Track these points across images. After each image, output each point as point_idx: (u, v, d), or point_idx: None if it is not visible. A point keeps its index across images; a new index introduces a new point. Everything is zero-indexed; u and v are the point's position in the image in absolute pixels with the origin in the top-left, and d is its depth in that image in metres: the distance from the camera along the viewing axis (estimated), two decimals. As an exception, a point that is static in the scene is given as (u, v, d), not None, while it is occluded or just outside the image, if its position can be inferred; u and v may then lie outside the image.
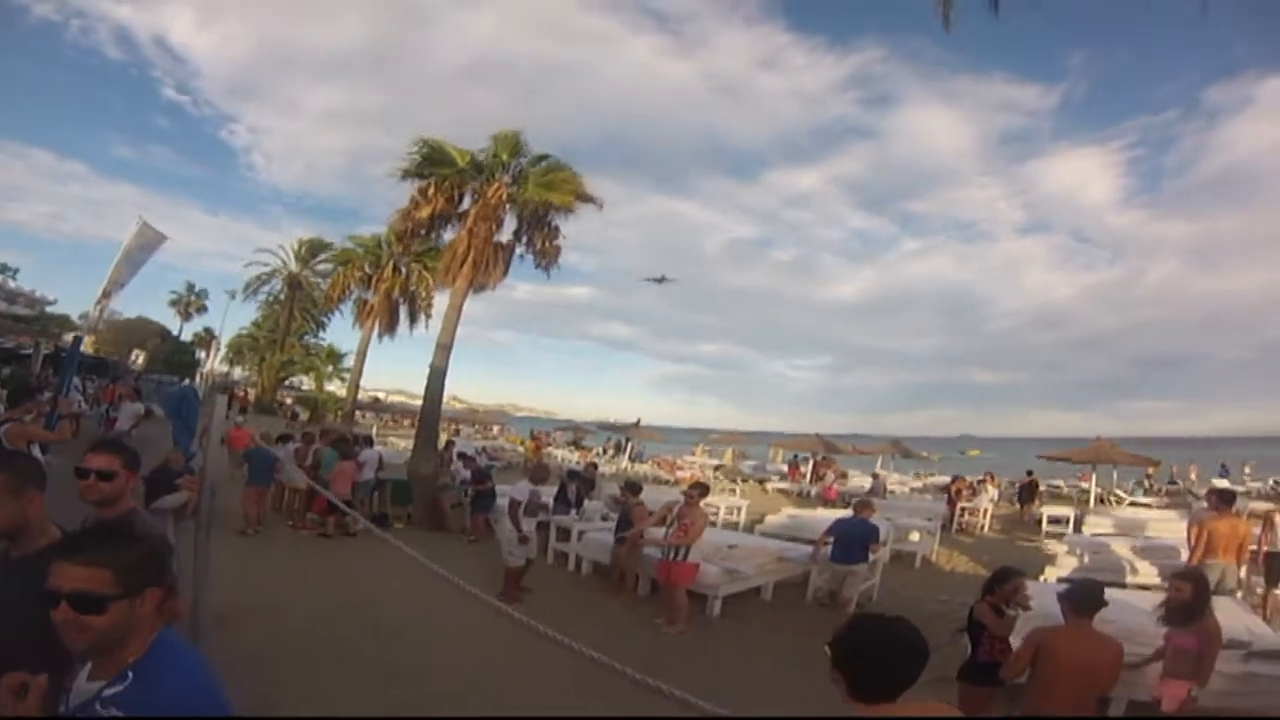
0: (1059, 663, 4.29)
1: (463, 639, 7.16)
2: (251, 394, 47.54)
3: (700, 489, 9.86)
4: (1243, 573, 9.13)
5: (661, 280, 40.61)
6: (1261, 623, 7.19)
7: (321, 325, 50.02)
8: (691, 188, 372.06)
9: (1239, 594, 8.73)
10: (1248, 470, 34.87)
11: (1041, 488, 25.64)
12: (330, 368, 50.22)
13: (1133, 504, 23.81)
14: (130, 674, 1.72)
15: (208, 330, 63.65)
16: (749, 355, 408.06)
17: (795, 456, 34.39)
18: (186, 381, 34.75)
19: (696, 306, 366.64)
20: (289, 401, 50.22)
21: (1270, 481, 31.40)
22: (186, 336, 66.13)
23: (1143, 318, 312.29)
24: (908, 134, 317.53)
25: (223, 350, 56.60)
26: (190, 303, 65.43)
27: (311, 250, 47.63)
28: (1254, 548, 9.34)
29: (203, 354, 60.10)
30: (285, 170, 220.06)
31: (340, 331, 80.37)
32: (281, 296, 48.79)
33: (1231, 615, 6.46)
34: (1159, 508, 21.71)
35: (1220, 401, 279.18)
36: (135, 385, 22.29)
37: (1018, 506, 23.39)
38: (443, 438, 21.30)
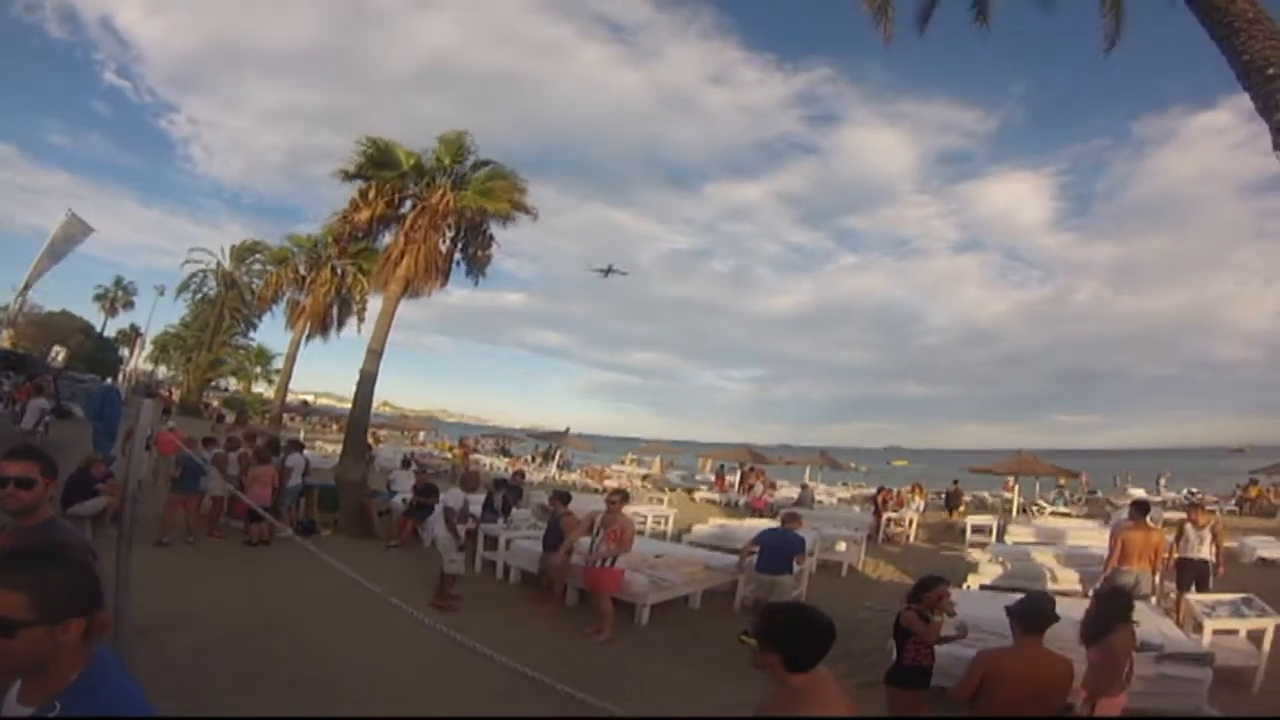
0: (1011, 686, 4.23)
1: (389, 650, 7.17)
2: (176, 394, 46.12)
3: (621, 495, 10.02)
4: (1157, 579, 9.56)
5: (609, 271, 40.22)
6: (1174, 627, 7.61)
7: (252, 325, 48.95)
8: (633, 198, 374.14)
9: (1154, 599, 9.17)
10: (1163, 481, 36.63)
11: (967, 497, 26.64)
12: (259, 369, 49.16)
13: (1054, 513, 24.82)
14: (57, 704, 1.68)
15: (133, 327, 61.27)
16: (681, 365, 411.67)
17: (722, 467, 34.70)
18: (109, 381, 33.50)
19: (630, 316, 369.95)
20: (215, 403, 48.86)
21: (1185, 491, 32.91)
22: (111, 333, 63.65)
23: (1070, 334, 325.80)
24: (849, 152, 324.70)
25: (148, 348, 54.87)
26: (117, 298, 62.83)
27: (247, 251, 46.56)
28: (1166, 555, 9.80)
29: (126, 352, 58.10)
30: (226, 165, 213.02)
31: (270, 332, 78.41)
32: (213, 295, 47.59)
33: (1146, 619, 6.81)
34: (1079, 517, 22.79)
35: (1141, 415, 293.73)
36: (39, 382, 21.38)
37: (947, 512, 24.36)
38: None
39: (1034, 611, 4.50)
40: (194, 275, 47.05)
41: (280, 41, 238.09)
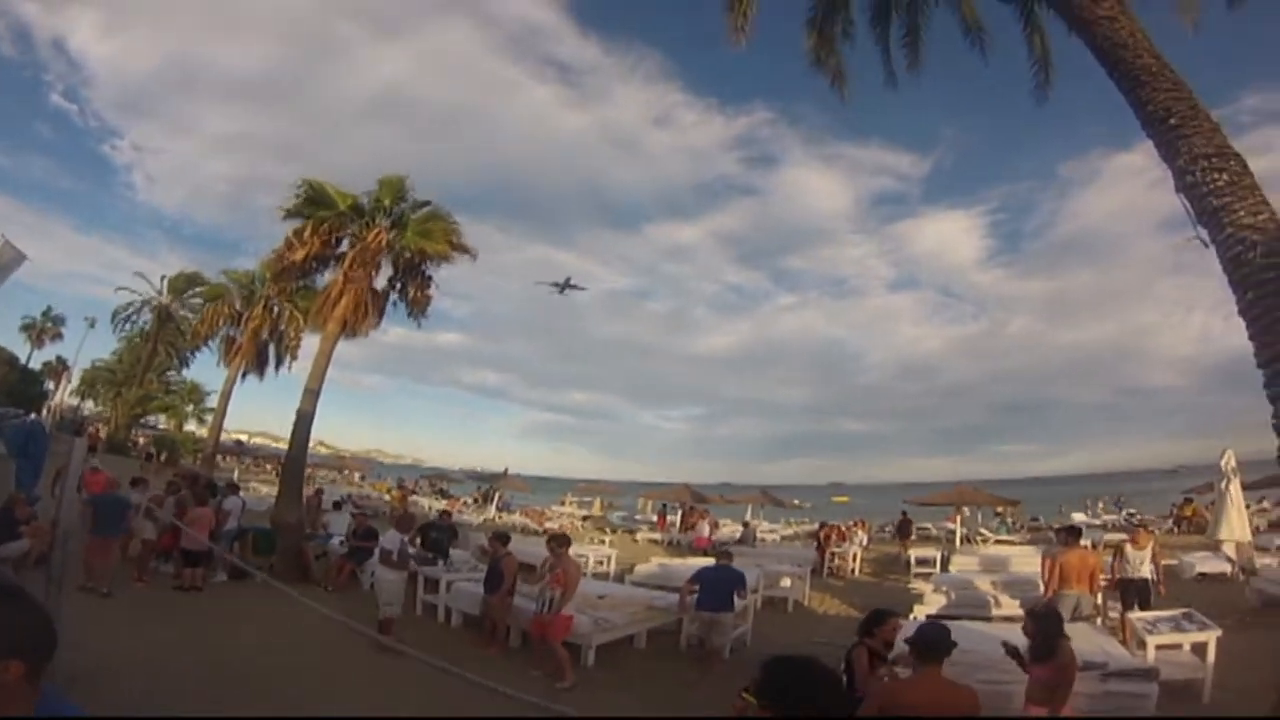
0: (910, 716, 4.10)
1: (340, 695, 7.07)
2: (102, 432, 44.38)
3: (562, 540, 9.93)
4: (1099, 599, 10.00)
5: (565, 286, 38.37)
6: (1117, 645, 7.90)
7: (185, 362, 47.39)
8: (573, 238, 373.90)
9: (1098, 620, 9.60)
10: (1101, 505, 38.01)
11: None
12: (191, 406, 47.64)
13: (998, 542, 25.53)
14: None
15: (60, 359, 58.94)
16: (620, 405, 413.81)
17: (664, 506, 34.90)
18: (33, 416, 32.11)
19: (569, 356, 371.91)
20: (143, 441, 47.20)
21: (1124, 514, 34.09)
22: (37, 365, 61.00)
23: (1005, 367, 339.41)
24: (787, 193, 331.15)
25: (74, 382, 52.93)
26: (45, 329, 60.34)
27: (186, 283, 45.35)
28: (1107, 576, 10.29)
29: (52, 385, 55.84)
30: (168, 194, 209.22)
31: (204, 369, 76.17)
32: (147, 328, 46.14)
33: (1089, 640, 7.14)
34: (1021, 544, 23.33)
35: (1078, 442, 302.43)
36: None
37: (899, 542, 25.03)
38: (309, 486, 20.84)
39: (927, 641, 4.38)
40: (127, 306, 45.67)
41: (235, 66, 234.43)
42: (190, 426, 48.14)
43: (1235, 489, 13.43)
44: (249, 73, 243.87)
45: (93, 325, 45.82)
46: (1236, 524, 13.40)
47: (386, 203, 16.53)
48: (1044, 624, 5.19)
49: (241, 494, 15.21)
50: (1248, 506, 13.66)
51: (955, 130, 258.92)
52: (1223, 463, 13.61)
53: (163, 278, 46.00)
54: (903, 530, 25.80)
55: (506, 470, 36.75)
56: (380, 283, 16.58)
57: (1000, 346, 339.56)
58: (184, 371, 48.61)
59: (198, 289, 42.67)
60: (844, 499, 64.92)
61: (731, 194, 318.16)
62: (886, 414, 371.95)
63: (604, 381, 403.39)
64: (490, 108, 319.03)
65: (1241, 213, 7.30)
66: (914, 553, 21.15)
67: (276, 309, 30.69)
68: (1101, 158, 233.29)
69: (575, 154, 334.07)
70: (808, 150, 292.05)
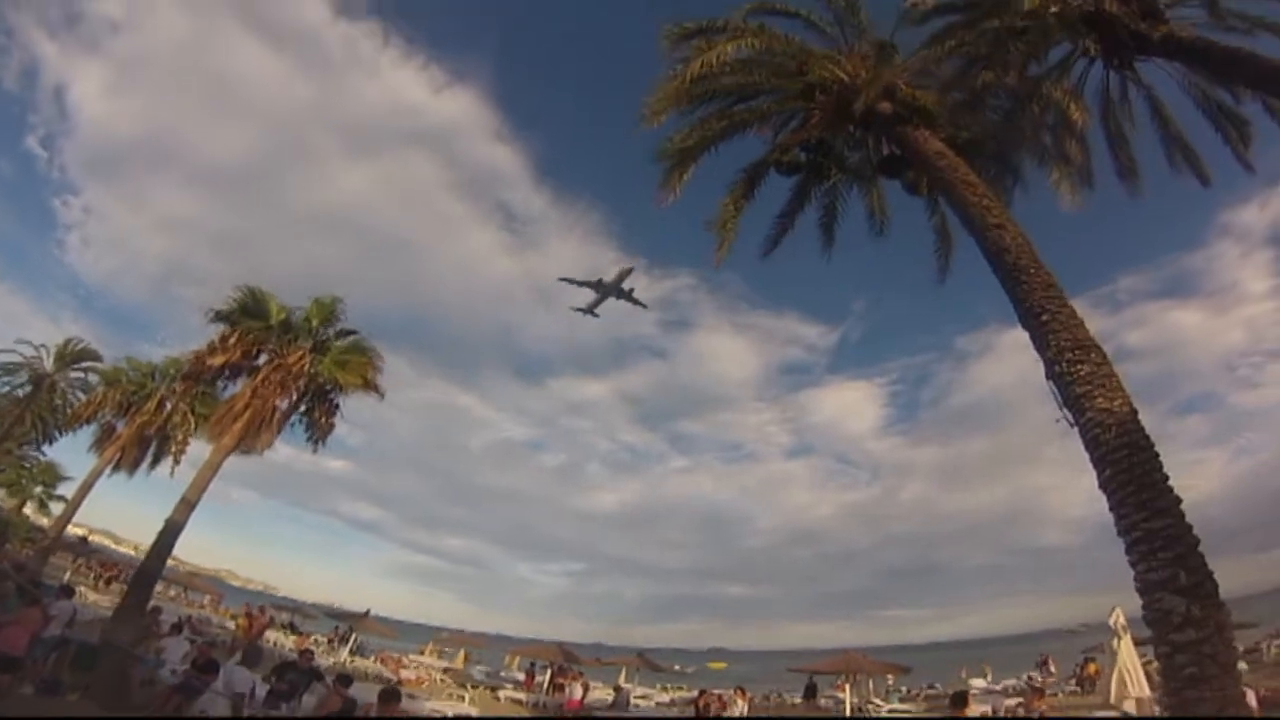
0: None
1: None
2: (-73, 499, 40.12)
3: (393, 695, 9.52)
4: None
5: (610, 294, 28.34)
6: None
7: (50, 439, 43.97)
8: (479, 381, 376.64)
9: None
10: (989, 672, 37.09)
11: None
12: (40, 488, 43.94)
13: (891, 710, 25.25)
14: None
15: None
16: (496, 555, 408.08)
17: (533, 664, 33.47)
18: None
19: (451, 500, 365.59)
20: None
21: (1025, 676, 33.65)
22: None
23: (896, 532, 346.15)
24: (696, 357, 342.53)
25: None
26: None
27: (78, 355, 42.78)
28: None
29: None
30: (98, 262, 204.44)
31: (65, 451, 70.82)
32: (20, 394, 42.92)
33: None
34: (918, 713, 22.85)
35: (972, 604, 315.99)
36: None
37: (806, 704, 25.71)
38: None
39: None
40: (3, 366, 42.54)
41: (210, 151, 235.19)
42: (29, 509, 44.20)
43: (1127, 645, 13.61)
44: (219, 160, 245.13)
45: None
46: (1132, 681, 13.47)
47: (314, 323, 16.68)
48: None
49: (74, 599, 13.92)
50: (1146, 661, 13.73)
51: (865, 303, 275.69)
52: (1111, 620, 13.85)
53: (43, 345, 43.28)
54: (809, 693, 26.42)
55: (369, 611, 34.57)
56: (284, 403, 16.44)
57: (892, 512, 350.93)
58: (43, 449, 45.02)
59: (84, 364, 40.41)
60: (720, 665, 63.64)
61: (643, 355, 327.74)
62: (773, 579, 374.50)
63: (483, 529, 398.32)
64: (430, 241, 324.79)
65: (1100, 399, 8.41)
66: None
67: (169, 408, 29.18)
68: (995, 332, 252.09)
69: (499, 299, 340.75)
70: (722, 317, 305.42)
